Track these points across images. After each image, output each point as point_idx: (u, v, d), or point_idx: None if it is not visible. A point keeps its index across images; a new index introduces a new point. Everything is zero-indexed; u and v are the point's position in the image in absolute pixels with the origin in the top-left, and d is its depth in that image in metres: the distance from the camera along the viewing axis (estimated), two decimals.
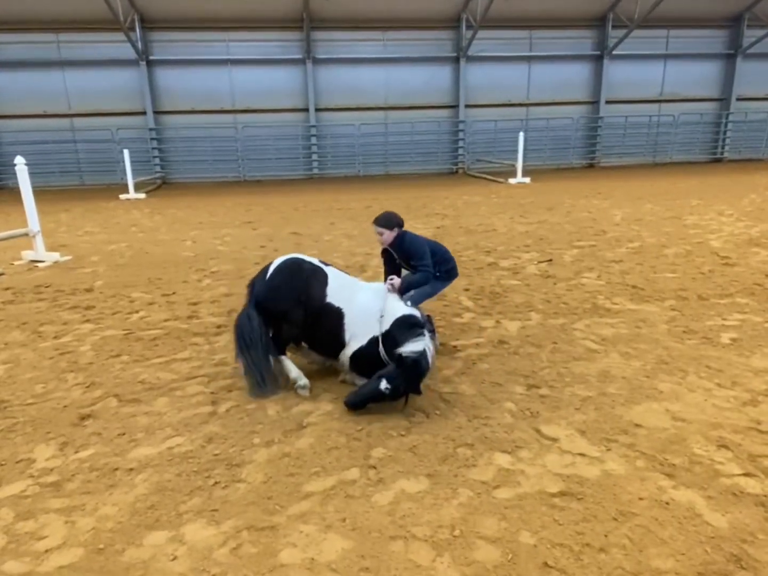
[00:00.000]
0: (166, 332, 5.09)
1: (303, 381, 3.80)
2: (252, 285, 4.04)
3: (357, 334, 3.81)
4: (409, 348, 3.47)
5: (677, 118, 23.26)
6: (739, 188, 14.51)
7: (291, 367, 3.88)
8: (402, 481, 2.81)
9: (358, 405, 3.47)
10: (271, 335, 3.84)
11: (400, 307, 3.81)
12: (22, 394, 3.93)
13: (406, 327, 3.64)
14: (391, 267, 4.51)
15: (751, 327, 4.80)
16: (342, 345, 3.86)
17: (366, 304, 3.86)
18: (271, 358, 3.78)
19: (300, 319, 3.80)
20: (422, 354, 3.47)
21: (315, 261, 4.05)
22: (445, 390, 3.80)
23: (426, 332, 3.62)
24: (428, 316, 4.51)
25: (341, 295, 3.89)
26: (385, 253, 4.49)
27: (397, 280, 4.07)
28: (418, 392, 3.50)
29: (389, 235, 4.22)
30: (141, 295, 6.32)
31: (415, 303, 4.28)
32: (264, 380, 3.72)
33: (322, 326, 3.86)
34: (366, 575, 2.22)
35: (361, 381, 3.79)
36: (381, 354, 3.67)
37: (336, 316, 3.84)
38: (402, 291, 4.09)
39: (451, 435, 3.21)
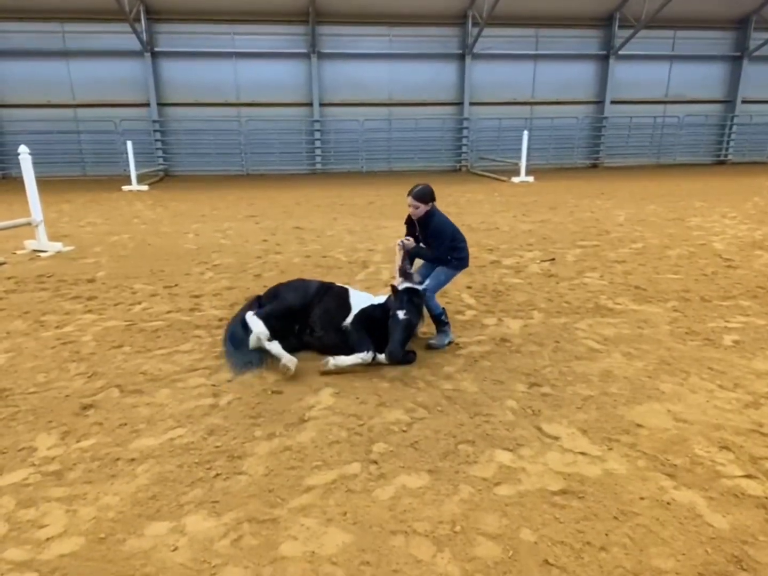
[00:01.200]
0: (168, 324, 5.09)
1: (287, 359, 3.96)
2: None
3: (360, 304, 4.35)
4: (400, 287, 4.16)
5: (682, 119, 23.22)
6: (742, 191, 14.49)
7: (280, 351, 4.08)
8: (403, 476, 2.81)
9: (398, 350, 3.84)
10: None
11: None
12: (24, 383, 3.93)
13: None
14: (411, 234, 4.63)
15: (753, 329, 4.79)
16: (349, 310, 4.30)
17: (367, 295, 4.55)
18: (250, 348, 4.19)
19: (301, 302, 4.35)
20: (412, 286, 4.12)
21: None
22: (446, 387, 3.80)
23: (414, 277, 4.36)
24: (443, 308, 4.56)
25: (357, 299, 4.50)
26: (409, 223, 4.57)
27: (411, 241, 4.51)
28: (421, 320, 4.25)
29: (423, 209, 4.30)
30: (143, 287, 6.33)
31: (433, 291, 4.53)
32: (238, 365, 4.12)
33: (330, 298, 4.40)
34: (366, 569, 2.23)
35: (342, 362, 3.97)
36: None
37: (343, 290, 4.51)
38: (410, 253, 4.52)
39: (452, 431, 3.22)
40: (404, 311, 3.92)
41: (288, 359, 3.94)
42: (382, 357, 4.03)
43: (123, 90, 20.34)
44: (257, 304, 4.58)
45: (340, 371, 4.00)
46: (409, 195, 4.26)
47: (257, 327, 4.07)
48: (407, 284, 4.17)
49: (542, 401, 3.58)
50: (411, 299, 3.99)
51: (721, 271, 6.67)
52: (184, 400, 3.65)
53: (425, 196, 4.24)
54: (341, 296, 4.43)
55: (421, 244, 4.55)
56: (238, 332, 4.34)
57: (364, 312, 4.26)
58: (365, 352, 3.98)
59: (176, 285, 6.39)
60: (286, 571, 2.22)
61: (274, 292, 4.56)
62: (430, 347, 4.45)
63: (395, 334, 3.88)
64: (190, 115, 20.87)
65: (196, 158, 21.30)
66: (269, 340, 4.12)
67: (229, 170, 21.42)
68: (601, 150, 23.31)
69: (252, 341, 4.01)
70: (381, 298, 4.44)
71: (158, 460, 2.97)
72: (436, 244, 4.38)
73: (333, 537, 2.40)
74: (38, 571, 2.25)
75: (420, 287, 4.19)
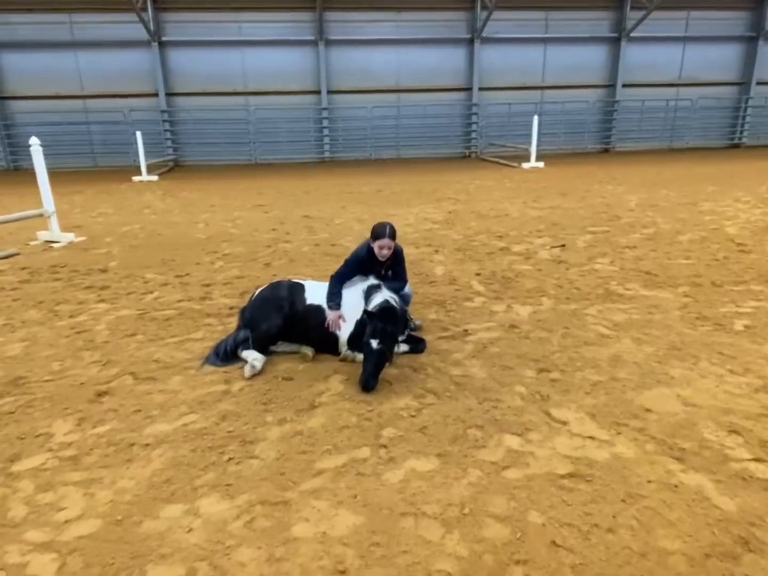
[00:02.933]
0: (180, 313, 5.16)
1: (256, 363, 3.87)
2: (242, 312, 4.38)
3: (344, 323, 4.10)
4: (372, 304, 3.85)
5: (695, 102, 22.85)
6: (757, 174, 14.27)
7: (292, 347, 4.23)
8: (412, 460, 2.85)
9: (371, 381, 3.58)
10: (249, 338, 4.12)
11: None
12: (40, 371, 4.01)
13: (367, 294, 4.01)
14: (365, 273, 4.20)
15: (765, 314, 4.76)
16: (335, 336, 4.13)
17: (344, 297, 4.17)
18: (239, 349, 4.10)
19: (276, 326, 4.11)
20: (385, 302, 3.82)
21: (294, 279, 4.55)
22: (455, 373, 3.83)
23: (382, 287, 4.05)
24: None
25: (319, 296, 4.21)
26: (367, 262, 4.15)
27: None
28: (408, 337, 4.12)
29: (393, 245, 4.08)
30: (155, 276, 6.40)
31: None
32: (219, 355, 4.07)
33: (313, 326, 4.13)
34: (377, 550, 2.27)
35: (360, 356, 3.96)
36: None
37: (320, 312, 4.15)
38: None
39: (461, 416, 3.25)
40: (377, 340, 3.61)
41: (305, 348, 4.15)
42: (404, 348, 4.14)
43: (131, 80, 20.36)
44: (242, 317, 4.33)
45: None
46: (383, 237, 3.95)
47: (251, 354, 3.95)
48: (381, 301, 3.84)
49: (551, 386, 3.60)
50: (385, 328, 3.63)
51: (733, 255, 6.62)
52: (197, 386, 3.71)
53: (395, 231, 4.06)
54: (321, 324, 4.09)
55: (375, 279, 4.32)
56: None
57: (355, 339, 4.00)
58: (373, 345, 3.90)
59: (187, 274, 6.45)
60: (298, 552, 2.27)
61: (249, 313, 4.23)
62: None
63: (368, 365, 3.61)
64: (199, 105, 20.85)
65: (205, 148, 21.31)
66: (269, 353, 4.15)
67: (237, 160, 21.43)
68: (613, 134, 23.01)
69: (247, 371, 3.81)
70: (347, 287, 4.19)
71: (172, 445, 3.04)
72: (404, 272, 4.33)
73: (344, 519, 2.45)
74: (58, 551, 2.32)
75: (395, 304, 3.89)
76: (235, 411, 3.38)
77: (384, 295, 3.93)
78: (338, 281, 4.15)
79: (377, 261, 4.13)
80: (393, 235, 4.04)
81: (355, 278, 4.21)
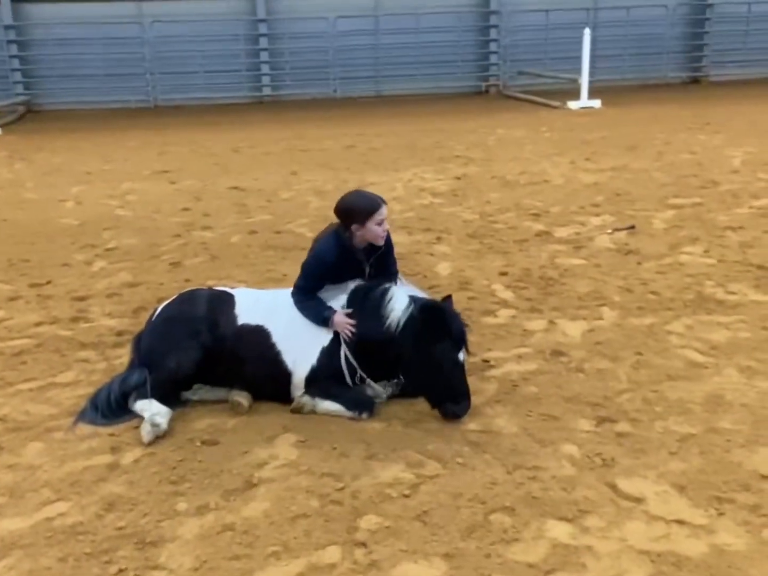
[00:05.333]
0: (39, 342, 5.12)
1: (157, 420, 3.84)
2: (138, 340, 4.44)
3: (300, 352, 4.18)
4: (399, 308, 3.93)
5: None
6: None
7: (218, 394, 4.24)
8: (406, 564, 2.84)
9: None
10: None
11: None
12: None
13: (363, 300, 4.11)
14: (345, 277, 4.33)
15: None
16: (286, 374, 4.15)
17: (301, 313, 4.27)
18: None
19: (191, 362, 4.14)
20: (410, 303, 3.94)
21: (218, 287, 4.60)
22: (471, 427, 3.85)
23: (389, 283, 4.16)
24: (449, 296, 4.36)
25: (258, 312, 4.29)
26: (345, 262, 4.24)
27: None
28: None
29: None
30: None
31: None
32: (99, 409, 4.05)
33: (249, 359, 4.16)
34: None
35: (324, 404, 4.03)
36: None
37: (259, 336, 4.19)
38: None
39: (480, 494, 3.26)
40: (462, 348, 3.97)
41: (237, 393, 4.10)
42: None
43: None
44: (137, 348, 4.37)
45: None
46: (382, 206, 4.08)
47: (151, 407, 3.91)
48: (407, 301, 4.00)
49: (617, 445, 3.63)
50: (462, 330, 3.98)
51: None
52: (67, 459, 3.68)
53: None
54: (263, 355, 4.19)
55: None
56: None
57: (318, 376, 4.13)
58: (359, 413, 4.01)
59: (48, 282, 6.42)
60: None
61: (148, 342, 4.31)
62: None
63: (463, 386, 3.92)
64: (64, 17, 20.67)
65: (74, 83, 21.09)
66: (183, 400, 4.23)
67: (127, 101, 21.26)
68: (706, 56, 23.31)
69: (146, 433, 3.78)
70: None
71: (29, 552, 2.99)
72: (395, 262, 4.48)
73: None
74: None
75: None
76: (127, 496, 3.35)
77: (404, 292, 4.10)
78: (306, 296, 4.18)
79: (358, 255, 4.19)
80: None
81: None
